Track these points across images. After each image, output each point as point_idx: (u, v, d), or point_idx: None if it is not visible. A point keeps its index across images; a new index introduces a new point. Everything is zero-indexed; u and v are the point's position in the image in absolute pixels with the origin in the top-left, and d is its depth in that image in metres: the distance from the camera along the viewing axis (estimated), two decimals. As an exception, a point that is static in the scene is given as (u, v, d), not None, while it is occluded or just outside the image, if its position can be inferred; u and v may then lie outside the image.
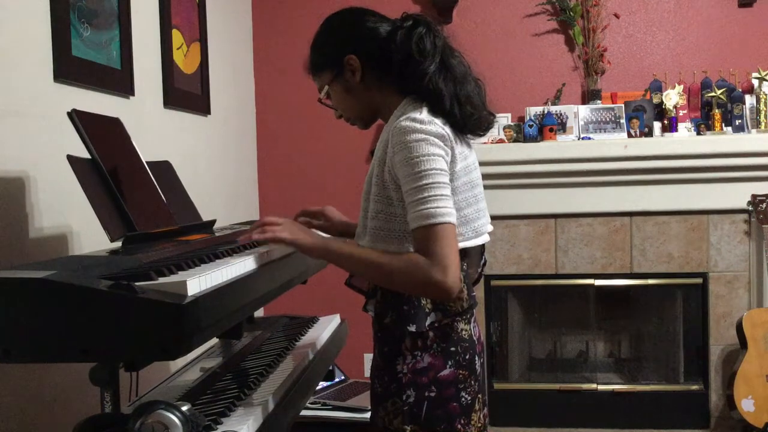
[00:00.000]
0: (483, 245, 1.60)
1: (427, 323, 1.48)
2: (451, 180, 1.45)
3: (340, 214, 1.85)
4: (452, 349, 1.52)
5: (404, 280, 1.41)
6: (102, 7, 2.22)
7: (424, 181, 1.38)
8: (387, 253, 1.44)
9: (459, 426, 1.51)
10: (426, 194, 1.38)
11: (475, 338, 1.58)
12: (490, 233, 1.62)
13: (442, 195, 1.38)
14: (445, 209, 1.38)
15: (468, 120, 1.51)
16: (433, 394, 1.49)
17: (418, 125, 1.41)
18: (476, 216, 1.54)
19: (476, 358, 1.57)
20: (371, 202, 1.50)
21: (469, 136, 1.55)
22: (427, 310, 1.48)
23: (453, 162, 1.45)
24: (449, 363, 1.51)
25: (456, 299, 1.48)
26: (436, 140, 1.41)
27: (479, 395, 1.57)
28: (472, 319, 1.59)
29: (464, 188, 1.50)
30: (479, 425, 1.56)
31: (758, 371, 3.12)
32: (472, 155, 1.55)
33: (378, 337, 1.56)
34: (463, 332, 1.54)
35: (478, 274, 1.64)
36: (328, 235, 1.77)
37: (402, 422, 1.49)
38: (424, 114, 1.44)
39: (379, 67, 1.55)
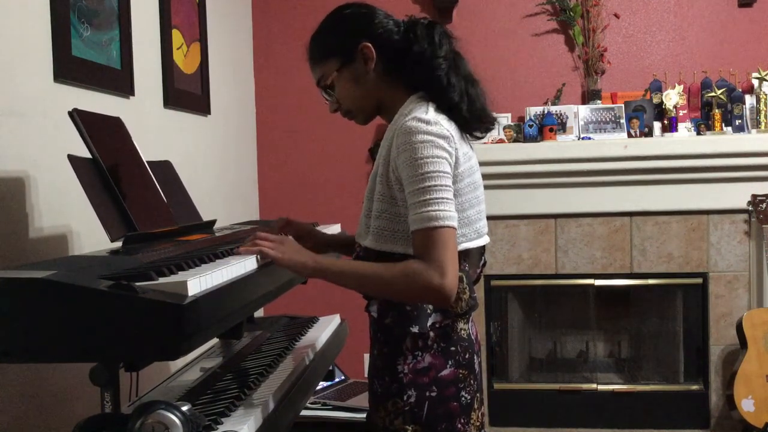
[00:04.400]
0: (483, 246, 1.61)
1: (429, 324, 1.48)
2: (456, 181, 1.45)
3: (323, 232, 1.83)
4: (452, 348, 1.52)
5: (402, 288, 1.39)
6: (102, 7, 2.22)
7: (427, 184, 1.38)
8: (382, 264, 1.43)
9: (459, 425, 1.51)
10: (427, 197, 1.37)
11: (473, 337, 1.59)
12: (487, 234, 1.62)
13: (443, 198, 1.38)
14: (446, 212, 1.37)
15: (474, 117, 1.52)
16: (434, 394, 1.49)
17: (423, 126, 1.40)
18: (478, 217, 1.54)
19: (475, 358, 1.58)
20: (375, 202, 1.49)
21: (469, 137, 1.56)
22: (428, 311, 1.47)
23: (457, 163, 1.45)
24: (450, 362, 1.51)
25: (457, 300, 1.48)
26: (441, 142, 1.41)
27: (477, 394, 1.58)
28: (470, 319, 1.60)
29: (468, 189, 1.50)
30: (477, 424, 1.57)
31: (758, 371, 3.12)
32: (474, 157, 1.56)
33: (378, 337, 1.56)
34: (462, 332, 1.55)
35: (477, 275, 1.64)
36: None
37: (403, 422, 1.49)
38: (430, 114, 1.44)
39: (391, 59, 1.54)
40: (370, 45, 1.52)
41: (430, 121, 1.41)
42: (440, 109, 1.48)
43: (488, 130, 1.58)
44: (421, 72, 1.51)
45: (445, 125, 1.44)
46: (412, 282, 1.36)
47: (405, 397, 1.49)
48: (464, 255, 1.50)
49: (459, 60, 1.55)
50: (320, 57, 1.58)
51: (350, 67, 1.54)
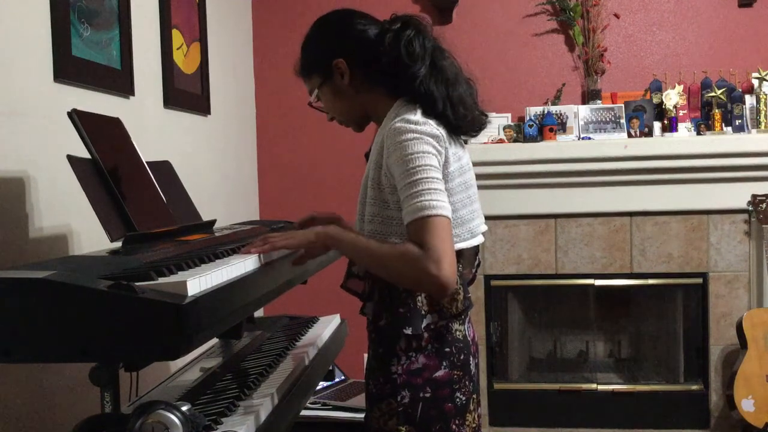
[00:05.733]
0: (477, 246, 1.60)
1: (423, 325, 1.47)
2: (446, 181, 1.44)
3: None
4: (447, 349, 1.51)
5: (398, 272, 1.38)
6: (102, 7, 2.22)
7: (417, 176, 1.38)
8: (386, 244, 1.43)
9: (454, 426, 1.51)
10: (419, 188, 1.37)
11: (469, 338, 1.58)
12: (484, 233, 1.61)
13: (435, 189, 1.38)
14: (438, 202, 1.37)
15: (461, 121, 1.51)
16: (427, 395, 1.49)
17: (412, 126, 1.41)
18: (471, 217, 1.54)
19: (471, 359, 1.57)
20: (367, 206, 1.50)
21: (462, 137, 1.55)
22: (423, 312, 1.47)
23: (447, 163, 1.45)
24: (444, 363, 1.51)
25: (452, 301, 1.48)
26: (430, 139, 1.41)
27: (474, 395, 1.57)
28: (467, 320, 1.59)
29: (459, 189, 1.49)
30: (474, 426, 1.56)
31: (758, 371, 3.12)
32: (465, 156, 1.55)
33: (373, 338, 1.56)
34: (458, 333, 1.54)
35: (473, 275, 1.63)
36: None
37: (397, 423, 1.49)
38: (418, 115, 1.44)
39: (367, 70, 1.54)
40: (342, 60, 1.54)
41: (418, 121, 1.42)
42: (426, 114, 1.46)
43: (479, 130, 1.57)
44: (398, 81, 1.51)
45: (433, 125, 1.44)
46: (408, 267, 1.35)
47: (399, 398, 1.49)
48: (458, 255, 1.49)
49: (440, 60, 1.52)
50: (305, 74, 1.63)
51: (330, 83, 1.57)
